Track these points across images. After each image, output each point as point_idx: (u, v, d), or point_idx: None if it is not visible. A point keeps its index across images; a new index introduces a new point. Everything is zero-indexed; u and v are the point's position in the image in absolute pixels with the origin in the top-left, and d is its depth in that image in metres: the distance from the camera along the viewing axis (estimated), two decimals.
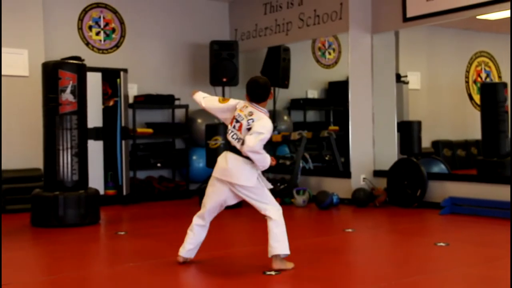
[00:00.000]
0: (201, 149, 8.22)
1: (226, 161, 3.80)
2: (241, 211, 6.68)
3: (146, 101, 7.61)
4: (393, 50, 7.39)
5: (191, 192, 7.93)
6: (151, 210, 6.87)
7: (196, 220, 4.07)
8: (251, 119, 3.72)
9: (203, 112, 8.27)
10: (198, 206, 6.95)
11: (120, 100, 7.31)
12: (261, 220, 5.96)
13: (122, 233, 5.28)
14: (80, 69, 5.77)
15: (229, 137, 3.81)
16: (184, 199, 7.74)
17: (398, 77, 7.88)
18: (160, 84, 8.04)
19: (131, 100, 7.65)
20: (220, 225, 5.98)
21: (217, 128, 7.05)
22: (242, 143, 3.69)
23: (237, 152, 3.77)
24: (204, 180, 8.09)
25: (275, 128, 8.21)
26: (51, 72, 5.65)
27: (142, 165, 7.68)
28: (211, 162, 7.07)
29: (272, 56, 8.22)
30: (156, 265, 4.05)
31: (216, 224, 5.92)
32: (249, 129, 3.69)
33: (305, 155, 7.52)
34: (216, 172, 3.87)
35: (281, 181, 7.31)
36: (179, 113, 8.17)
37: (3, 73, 6.74)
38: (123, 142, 7.31)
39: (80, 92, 5.73)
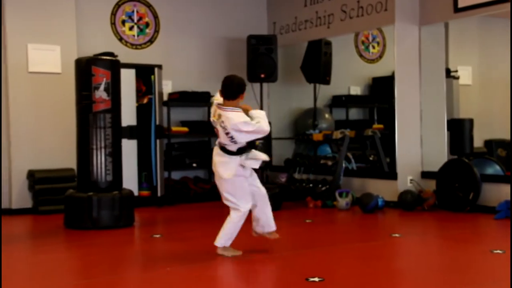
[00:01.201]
0: None
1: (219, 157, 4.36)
2: (281, 214, 6.66)
3: (181, 98, 7.67)
4: (443, 43, 7.23)
5: None
6: (187, 213, 6.92)
7: None
8: (222, 121, 4.19)
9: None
10: None
11: (154, 97, 7.38)
12: (301, 223, 5.98)
13: (158, 236, 5.33)
14: (114, 66, 5.85)
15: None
16: (221, 201, 7.73)
17: (448, 72, 7.72)
18: (195, 80, 8.08)
19: (165, 98, 7.71)
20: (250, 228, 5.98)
21: None
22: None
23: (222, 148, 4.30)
24: None
25: (316, 126, 8.17)
26: (84, 69, 5.74)
27: (177, 165, 7.74)
28: None
29: (312, 51, 8.16)
30: (193, 270, 4.07)
31: (246, 229, 5.94)
32: (227, 134, 4.19)
33: (348, 155, 7.44)
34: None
35: (323, 183, 7.26)
36: None
37: (35, 70, 6.90)
38: (158, 141, 7.38)
39: (114, 89, 5.81)
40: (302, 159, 7.74)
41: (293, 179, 7.74)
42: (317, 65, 8.08)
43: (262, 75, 7.59)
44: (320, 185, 7.21)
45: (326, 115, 8.67)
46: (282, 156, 8.25)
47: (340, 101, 8.85)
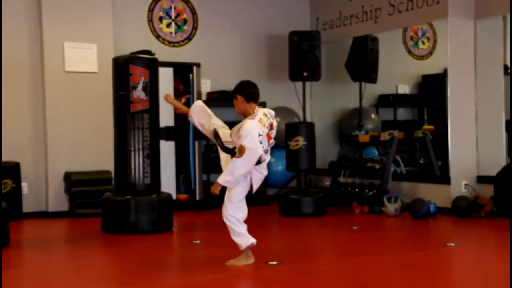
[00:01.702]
0: (279, 151, 8.11)
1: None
2: (326, 220, 6.58)
3: (220, 98, 7.63)
4: (501, 37, 7.01)
5: (269, 198, 7.88)
6: None
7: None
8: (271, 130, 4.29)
9: (283, 110, 8.22)
10: (277, 213, 6.97)
11: (192, 97, 7.37)
12: (347, 230, 5.87)
13: (198, 241, 5.30)
14: (152, 64, 5.85)
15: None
16: (261, 206, 7.69)
17: (506, 68, 7.47)
18: (234, 79, 7.82)
19: (203, 97, 7.69)
20: (303, 234, 5.93)
21: (298, 127, 6.97)
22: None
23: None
24: (283, 185, 8.04)
25: (361, 127, 8.03)
26: (122, 68, 5.76)
27: (216, 167, 7.65)
28: (292, 165, 6.99)
29: (358, 47, 8.03)
30: (236, 277, 4.02)
31: (298, 234, 5.89)
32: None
33: (397, 158, 7.28)
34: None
35: (369, 187, 7.12)
36: None
37: (71, 69, 6.97)
38: (196, 142, 7.36)
39: (152, 88, 5.81)
40: (347, 162, 7.62)
41: (338, 183, 7.62)
42: (362, 63, 7.95)
43: (305, 74, 7.48)
44: (366, 190, 7.07)
45: (372, 116, 8.53)
46: (326, 158, 8.15)
47: (387, 101, 8.69)
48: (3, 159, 6.32)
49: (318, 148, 7.92)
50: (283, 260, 4.40)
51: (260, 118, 4.13)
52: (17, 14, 6.83)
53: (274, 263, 4.32)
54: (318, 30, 8.12)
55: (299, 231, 6.04)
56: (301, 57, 7.44)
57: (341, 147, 8.24)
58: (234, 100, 4.25)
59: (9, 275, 4.21)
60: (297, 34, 7.56)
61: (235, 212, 4.19)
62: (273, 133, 4.26)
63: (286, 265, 4.30)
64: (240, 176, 4.08)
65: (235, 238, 4.22)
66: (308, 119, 7.96)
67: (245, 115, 4.21)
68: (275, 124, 4.27)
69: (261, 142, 4.07)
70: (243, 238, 4.21)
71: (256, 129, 4.05)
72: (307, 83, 7.85)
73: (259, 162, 4.14)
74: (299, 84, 7.56)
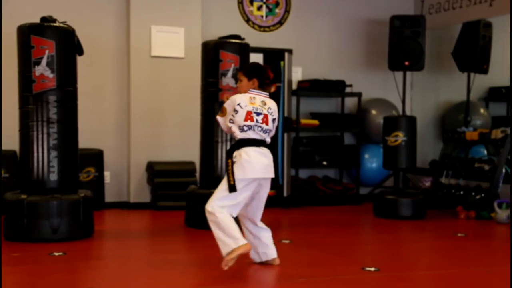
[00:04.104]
0: (374, 146, 8.02)
1: (264, 157, 4.10)
2: (426, 224, 6.39)
3: (311, 87, 7.58)
4: None
5: (361, 197, 7.76)
6: (316, 216, 6.83)
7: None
8: (269, 107, 4.14)
9: (380, 102, 8.07)
10: (370, 213, 6.85)
11: (283, 85, 7.35)
12: (451, 237, 5.67)
13: (287, 241, 5.28)
14: (243, 50, 5.87)
15: (256, 132, 4.05)
16: (353, 205, 7.60)
17: None
18: (328, 67, 7.96)
19: (294, 86, 7.66)
20: (400, 239, 5.79)
21: (397, 121, 6.80)
22: (269, 134, 4.15)
23: (266, 145, 4.13)
24: (377, 184, 7.89)
25: (468, 123, 7.74)
26: (212, 53, 5.81)
27: (305, 162, 7.67)
28: (389, 163, 6.84)
29: (467, 34, 7.72)
30: (330, 282, 3.95)
31: (395, 238, 5.75)
32: (274, 120, 4.15)
33: (510, 159, 6.95)
34: (258, 171, 4.06)
35: (477, 190, 6.85)
36: (350, 103, 8.03)
37: (157, 54, 7.11)
38: (285, 135, 7.35)
39: None
40: (451, 161, 7.36)
41: (439, 184, 7.39)
42: (473, 51, 7.63)
43: (406, 63, 7.28)
44: (473, 193, 6.80)
45: (481, 110, 8.21)
46: (426, 157, 7.91)
47: (499, 94, 8.33)
48: (87, 145, 6.55)
49: (418, 145, 7.71)
50: (381, 266, 4.30)
51: (254, 97, 4.12)
52: None
53: (372, 269, 4.23)
54: (423, 14, 7.88)
55: (397, 235, 5.90)
56: (403, 44, 7.24)
57: (445, 145, 7.97)
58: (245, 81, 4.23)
59: (90, 267, 4.37)
60: (399, 19, 7.36)
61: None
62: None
63: (385, 272, 4.20)
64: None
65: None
66: (408, 113, 7.76)
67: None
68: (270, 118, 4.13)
69: (257, 114, 4.06)
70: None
71: (234, 101, 4.07)
72: (408, 73, 7.66)
73: (257, 142, 4.06)
74: (399, 74, 7.38)
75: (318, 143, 7.82)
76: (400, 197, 6.65)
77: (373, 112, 7.94)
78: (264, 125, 4.08)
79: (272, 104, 4.20)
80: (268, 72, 4.27)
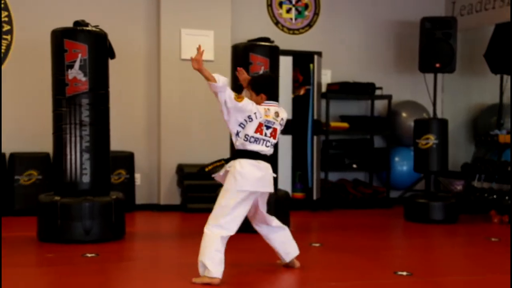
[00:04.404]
0: (405, 149, 7.97)
1: (259, 170, 3.98)
2: (458, 228, 6.33)
3: (341, 90, 7.56)
4: None
5: (391, 201, 7.71)
6: (346, 219, 6.81)
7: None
8: (282, 118, 4.08)
9: (410, 105, 8.01)
10: (400, 217, 6.80)
11: (312, 88, 7.35)
12: (484, 242, 5.59)
13: (317, 245, 5.27)
14: (272, 53, 5.87)
15: (260, 145, 3.97)
16: (383, 209, 7.56)
17: None
18: (358, 70, 7.93)
19: (323, 89, 7.65)
20: (433, 243, 5.74)
21: (429, 124, 6.75)
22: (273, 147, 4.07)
23: (267, 159, 4.03)
24: (408, 187, 7.84)
25: (501, 125, 7.64)
26: (242, 56, 5.82)
27: (335, 165, 7.65)
28: (420, 166, 6.79)
29: (500, 35, 7.60)
30: (361, 286, 3.95)
31: (427, 242, 5.70)
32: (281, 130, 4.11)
33: None
34: (254, 185, 3.97)
35: (510, 194, 6.75)
36: (380, 105, 7.99)
37: (187, 57, 7.13)
38: (315, 137, 7.33)
39: None
40: (483, 165, 7.27)
41: (471, 187, 7.30)
42: (506, 53, 7.52)
43: (437, 65, 7.22)
44: (507, 197, 6.70)
45: None
46: (458, 160, 7.82)
47: None
48: (118, 148, 6.62)
49: (449, 148, 7.63)
50: (413, 271, 4.26)
51: (269, 109, 4.02)
52: (136, 0, 7.11)
53: (404, 273, 4.20)
54: (454, 16, 7.81)
55: (428, 239, 5.85)
56: (434, 46, 7.18)
57: (477, 148, 7.87)
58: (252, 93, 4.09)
59: (122, 268, 4.41)
60: (430, 21, 7.30)
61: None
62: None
63: (418, 277, 4.16)
64: (216, 88, 3.93)
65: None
66: (439, 115, 7.68)
67: None
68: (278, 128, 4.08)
69: (267, 128, 3.99)
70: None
71: (253, 106, 3.93)
72: (439, 75, 7.57)
73: (256, 155, 3.97)
74: (429, 76, 7.31)
75: (347, 146, 7.80)
76: (432, 200, 6.59)
77: (404, 114, 7.89)
78: (271, 139, 4.02)
79: (284, 114, 4.12)
80: (276, 84, 4.24)
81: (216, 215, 3.99)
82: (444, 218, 6.54)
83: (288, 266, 4.32)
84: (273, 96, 4.18)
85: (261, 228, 4.30)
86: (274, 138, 4.05)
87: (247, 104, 3.94)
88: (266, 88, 4.09)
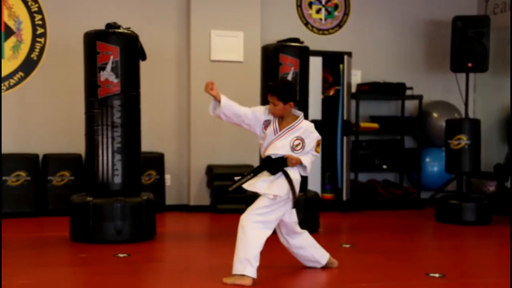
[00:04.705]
0: (436, 150, 7.88)
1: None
2: (491, 230, 6.24)
3: (371, 90, 7.52)
4: None
5: (422, 202, 7.64)
6: (376, 220, 6.77)
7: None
8: (296, 137, 4.01)
9: (441, 105, 7.93)
10: (431, 218, 6.74)
11: (342, 89, 7.32)
12: None
13: (347, 246, 5.25)
14: (302, 53, 5.86)
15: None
16: (413, 210, 7.49)
17: None
18: (388, 70, 7.88)
19: (353, 89, 7.61)
20: (465, 245, 5.67)
21: (461, 124, 6.67)
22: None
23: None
24: (439, 188, 7.76)
25: None
26: (272, 57, 5.82)
27: (365, 166, 7.60)
28: (452, 166, 6.72)
29: None
30: None
31: (460, 244, 5.64)
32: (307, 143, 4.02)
33: None
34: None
35: None
36: (410, 105, 7.92)
37: (217, 58, 7.19)
38: (344, 138, 7.30)
39: (302, 80, 5.82)
40: None
41: (505, 188, 7.20)
42: None
43: (469, 64, 7.13)
44: None
45: None
46: (491, 160, 7.72)
47: None
48: (148, 148, 6.67)
49: (482, 148, 7.53)
50: (446, 272, 4.22)
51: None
52: (166, 2, 7.16)
53: (436, 275, 4.16)
54: (487, 14, 7.70)
55: (461, 241, 5.78)
56: (466, 45, 7.09)
57: (510, 148, 7.75)
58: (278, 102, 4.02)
59: (152, 269, 4.43)
60: (462, 20, 7.22)
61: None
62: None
63: (451, 279, 4.12)
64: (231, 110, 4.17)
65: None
66: (471, 115, 7.58)
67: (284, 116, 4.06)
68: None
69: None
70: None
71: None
72: (471, 75, 7.48)
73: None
74: (461, 76, 7.23)
75: (377, 146, 7.75)
76: (464, 201, 6.51)
77: (435, 115, 7.81)
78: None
79: (299, 131, 4.01)
80: (296, 89, 4.22)
81: (257, 213, 3.94)
82: (477, 220, 6.46)
83: (326, 266, 4.31)
84: (297, 102, 4.16)
85: (286, 241, 4.27)
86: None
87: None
88: (293, 95, 4.04)
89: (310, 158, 4.02)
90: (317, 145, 4.06)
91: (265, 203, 3.96)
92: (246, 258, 3.84)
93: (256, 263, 3.85)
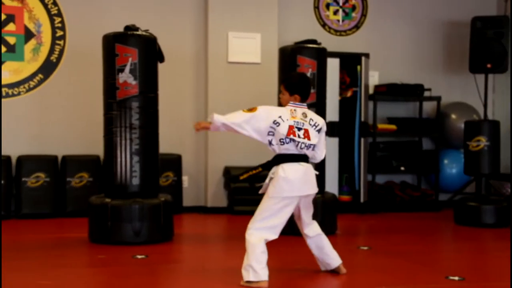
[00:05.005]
0: (454, 151, 7.82)
1: (306, 173, 3.95)
2: (509, 232, 6.16)
3: (388, 91, 7.48)
4: None
5: (440, 204, 7.59)
6: (394, 222, 6.73)
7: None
8: (311, 119, 3.97)
9: (460, 106, 7.87)
10: (450, 220, 6.69)
11: (359, 90, 7.30)
12: None
13: (365, 248, 5.22)
14: (320, 55, 5.85)
15: (296, 148, 3.91)
16: (431, 212, 7.44)
17: None
18: (406, 71, 7.84)
19: (371, 91, 7.58)
20: (484, 247, 5.63)
21: (480, 126, 6.62)
22: (313, 149, 3.97)
23: (307, 159, 3.98)
24: (458, 190, 7.70)
25: None
26: (289, 59, 5.81)
27: (382, 168, 7.57)
28: (471, 168, 6.66)
29: None
30: None
31: (479, 246, 5.59)
32: (319, 130, 3.99)
33: None
34: (299, 190, 3.93)
35: None
36: (429, 107, 7.87)
37: (234, 60, 7.19)
38: (362, 140, 7.28)
39: (320, 81, 5.81)
40: None
41: None
42: None
43: (489, 65, 7.08)
44: None
45: None
46: (509, 162, 7.64)
47: None
48: (166, 150, 6.69)
49: (501, 150, 7.46)
50: (465, 275, 4.18)
51: (295, 109, 3.97)
52: (184, 4, 7.19)
53: (456, 278, 4.12)
54: (506, 15, 7.62)
55: (480, 244, 5.74)
56: (485, 46, 7.05)
57: None
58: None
59: (170, 270, 4.45)
60: (481, 20, 7.17)
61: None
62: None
63: (470, 282, 4.08)
64: (228, 126, 4.08)
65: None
66: (490, 117, 7.53)
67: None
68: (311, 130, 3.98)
69: (298, 129, 3.91)
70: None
71: (274, 111, 3.93)
72: (490, 76, 7.42)
73: (296, 158, 3.93)
74: (480, 77, 7.18)
75: (395, 148, 7.71)
76: (483, 204, 6.45)
77: (453, 116, 7.75)
78: (306, 140, 3.92)
79: (313, 115, 4.02)
80: (310, 86, 4.14)
81: (259, 220, 3.96)
82: (496, 222, 6.40)
83: (334, 271, 4.29)
84: (307, 97, 4.08)
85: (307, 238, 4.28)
86: (309, 139, 3.93)
87: (264, 112, 3.94)
88: (301, 89, 4.02)
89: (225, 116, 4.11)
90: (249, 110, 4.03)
91: (265, 206, 4.00)
92: (249, 264, 3.86)
93: (259, 265, 3.84)
